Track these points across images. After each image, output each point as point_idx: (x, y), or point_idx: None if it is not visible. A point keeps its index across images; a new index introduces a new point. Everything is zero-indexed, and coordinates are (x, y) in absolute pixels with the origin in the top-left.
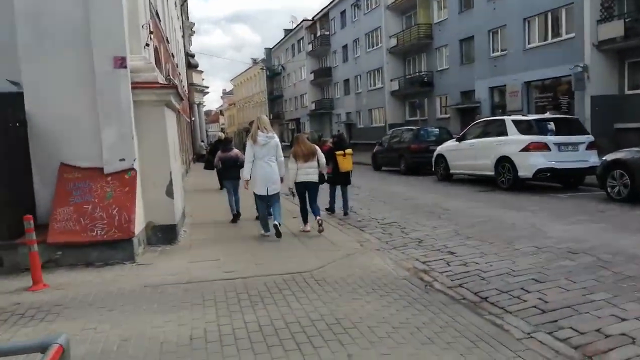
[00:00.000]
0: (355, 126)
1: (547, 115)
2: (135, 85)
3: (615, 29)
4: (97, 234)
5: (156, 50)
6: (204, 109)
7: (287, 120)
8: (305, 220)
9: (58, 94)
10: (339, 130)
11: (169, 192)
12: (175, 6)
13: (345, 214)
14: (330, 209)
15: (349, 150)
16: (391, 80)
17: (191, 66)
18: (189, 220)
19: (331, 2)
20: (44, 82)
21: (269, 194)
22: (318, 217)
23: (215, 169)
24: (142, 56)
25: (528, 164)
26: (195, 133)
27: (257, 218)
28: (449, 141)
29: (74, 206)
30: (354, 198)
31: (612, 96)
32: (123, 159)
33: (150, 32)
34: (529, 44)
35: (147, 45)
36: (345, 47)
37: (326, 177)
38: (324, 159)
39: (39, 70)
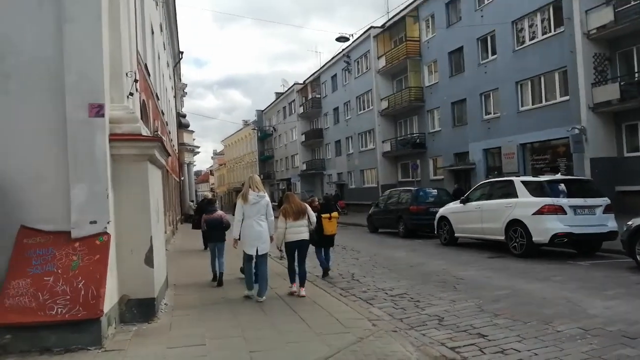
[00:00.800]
0: (346, 186)
1: (559, 176)
2: (115, 137)
3: (610, 91)
4: (57, 312)
5: (144, 104)
6: (195, 168)
7: (278, 180)
8: (292, 280)
9: (22, 144)
10: (326, 193)
11: (149, 260)
12: (168, 66)
13: (327, 270)
14: (325, 273)
15: (335, 214)
16: (383, 142)
17: (182, 126)
18: (171, 292)
19: (322, 67)
20: (6, 129)
21: (258, 253)
22: (302, 291)
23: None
24: (124, 105)
25: (543, 228)
26: (184, 193)
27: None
28: (452, 203)
29: (32, 278)
30: (354, 264)
31: (612, 158)
32: (94, 222)
33: (135, 81)
34: (522, 106)
35: (131, 94)
36: (336, 109)
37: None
38: (315, 217)
39: (0, 115)
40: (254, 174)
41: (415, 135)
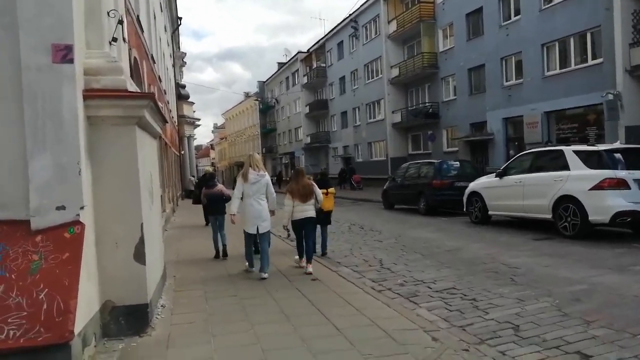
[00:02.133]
0: (353, 160)
1: (618, 144)
2: (92, 93)
3: None
4: (8, 336)
5: (136, 63)
6: (195, 143)
7: (280, 154)
8: (301, 255)
9: None
10: (323, 169)
11: (139, 255)
12: (165, 31)
13: (324, 254)
14: (323, 250)
15: (331, 190)
16: (393, 112)
17: (182, 97)
18: (170, 286)
19: (328, 34)
20: None
21: (259, 232)
22: (309, 268)
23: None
24: (105, 52)
25: (603, 206)
26: (184, 167)
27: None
28: (485, 177)
29: None
30: (378, 247)
31: None
32: (62, 207)
33: (120, 22)
34: (548, 71)
35: (115, 40)
36: (342, 78)
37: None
38: (321, 195)
39: None
40: (254, 153)
41: (427, 104)
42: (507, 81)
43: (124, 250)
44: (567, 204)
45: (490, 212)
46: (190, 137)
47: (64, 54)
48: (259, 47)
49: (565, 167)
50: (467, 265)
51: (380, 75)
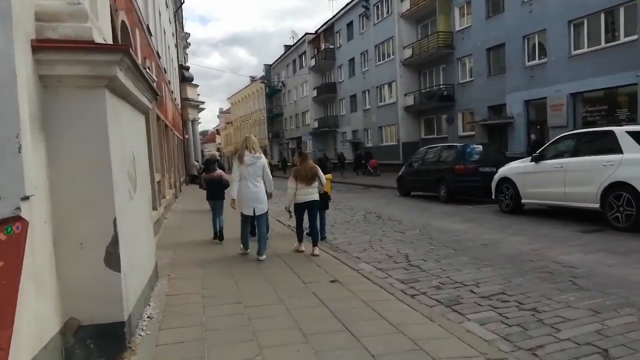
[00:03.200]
0: (362, 145)
1: None
2: (45, 44)
3: None
4: None
5: (125, 29)
6: (200, 128)
7: (287, 139)
8: (300, 240)
9: None
10: (323, 155)
11: (112, 259)
12: (167, 7)
13: (323, 238)
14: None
15: (328, 176)
16: (405, 95)
17: (185, 79)
18: (163, 288)
19: (337, 14)
20: None
21: (255, 214)
22: (316, 250)
23: None
24: None
25: None
26: (188, 152)
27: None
28: (517, 161)
29: None
30: (401, 239)
31: None
32: None
33: None
34: (575, 49)
35: None
36: (352, 60)
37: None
38: (324, 179)
39: None
40: (250, 134)
41: (442, 86)
42: (529, 61)
43: (92, 253)
44: (619, 192)
45: (523, 201)
46: (195, 121)
47: None
48: (266, 32)
49: (616, 150)
50: (511, 263)
51: (392, 57)
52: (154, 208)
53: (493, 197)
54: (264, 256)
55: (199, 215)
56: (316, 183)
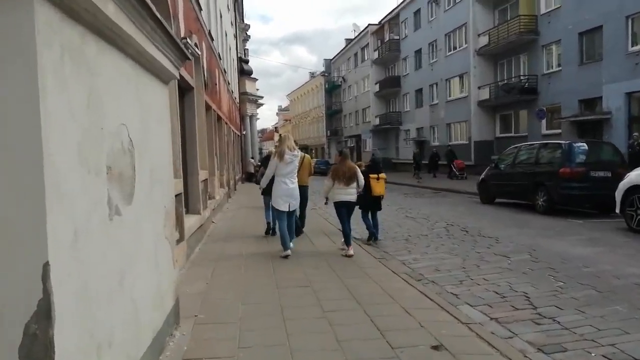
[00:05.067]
0: (428, 144)
1: None
2: None
3: None
4: None
5: None
6: (258, 124)
7: (346, 137)
8: (347, 242)
9: None
10: (374, 154)
11: (36, 349)
12: None
13: (376, 239)
14: (372, 237)
15: (382, 175)
16: (479, 88)
17: (244, 72)
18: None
19: (402, 2)
20: None
21: (290, 209)
22: (350, 251)
23: None
24: None
25: None
26: (246, 149)
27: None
28: None
29: None
30: (509, 268)
31: None
32: None
33: None
34: None
35: None
36: (418, 51)
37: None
38: (363, 180)
39: None
40: (288, 134)
41: (523, 78)
42: (633, 46)
43: None
44: None
45: None
46: (253, 117)
47: None
48: (325, 30)
49: None
50: None
51: (464, 45)
52: (197, 212)
53: (617, 210)
54: (293, 245)
55: (251, 212)
56: (354, 184)
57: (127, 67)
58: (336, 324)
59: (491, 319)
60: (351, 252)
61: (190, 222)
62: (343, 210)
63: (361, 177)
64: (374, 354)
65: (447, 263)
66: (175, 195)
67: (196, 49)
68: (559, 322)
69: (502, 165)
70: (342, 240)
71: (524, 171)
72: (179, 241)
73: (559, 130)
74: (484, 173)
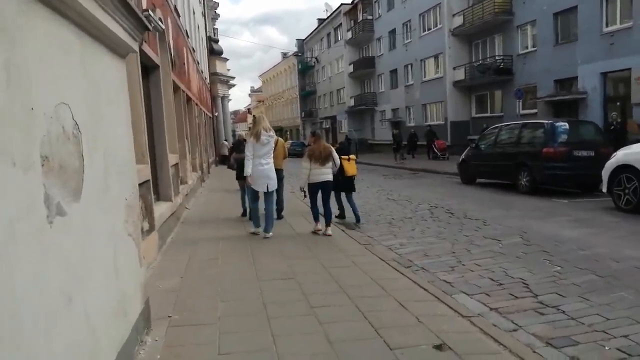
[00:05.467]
0: (403, 124)
1: None
2: None
3: None
4: None
5: None
6: (230, 106)
7: (321, 118)
8: (316, 219)
9: None
10: (348, 136)
11: None
12: None
13: (358, 220)
14: (341, 216)
15: (353, 156)
16: (454, 69)
17: (214, 52)
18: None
19: None
20: None
21: (268, 190)
22: (329, 230)
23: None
24: None
25: None
26: (218, 131)
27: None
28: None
29: None
30: (500, 251)
31: None
32: None
33: None
34: None
35: None
36: (392, 32)
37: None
38: (339, 160)
39: None
40: (263, 115)
41: (498, 58)
42: (608, 26)
43: None
44: None
45: None
46: (225, 98)
47: None
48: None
49: None
50: None
51: (439, 26)
52: (168, 199)
53: (604, 189)
54: (271, 233)
55: (226, 196)
56: (330, 163)
57: (67, 35)
58: (326, 321)
59: (491, 309)
60: (329, 231)
61: (161, 209)
62: (322, 190)
63: (336, 156)
64: (371, 357)
65: (436, 247)
66: (143, 183)
67: (160, 23)
68: (563, 312)
69: (483, 146)
70: (316, 222)
71: (505, 151)
72: (148, 232)
73: (535, 110)
74: (464, 153)
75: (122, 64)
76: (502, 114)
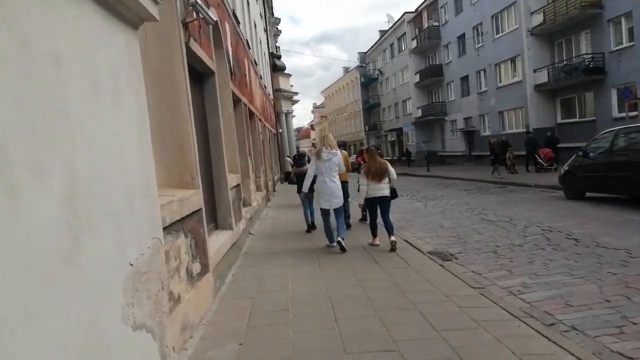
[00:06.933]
0: (477, 134)
1: None
2: None
3: None
4: None
5: None
6: (294, 121)
7: (386, 131)
8: (374, 234)
9: None
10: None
11: None
12: None
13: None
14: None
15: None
16: (535, 71)
17: (277, 69)
18: None
19: None
20: None
21: (332, 208)
22: (392, 237)
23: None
24: None
25: None
26: (283, 147)
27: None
28: None
29: None
30: None
31: None
32: None
33: None
34: None
35: None
36: (461, 37)
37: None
38: (395, 174)
39: None
40: (328, 133)
41: (587, 56)
42: None
43: None
44: None
45: None
46: (289, 114)
47: None
48: (354, 27)
49: None
50: None
51: (515, 26)
52: (228, 228)
53: None
54: (343, 237)
55: (291, 213)
56: (387, 179)
57: None
58: None
59: None
60: (393, 238)
61: (219, 242)
62: (380, 205)
63: (392, 170)
64: None
65: (577, 292)
66: (192, 213)
67: (212, 16)
68: None
69: (594, 154)
70: (374, 237)
71: (628, 160)
72: (201, 275)
73: (636, 113)
74: (567, 164)
75: (134, 37)
76: (593, 118)
